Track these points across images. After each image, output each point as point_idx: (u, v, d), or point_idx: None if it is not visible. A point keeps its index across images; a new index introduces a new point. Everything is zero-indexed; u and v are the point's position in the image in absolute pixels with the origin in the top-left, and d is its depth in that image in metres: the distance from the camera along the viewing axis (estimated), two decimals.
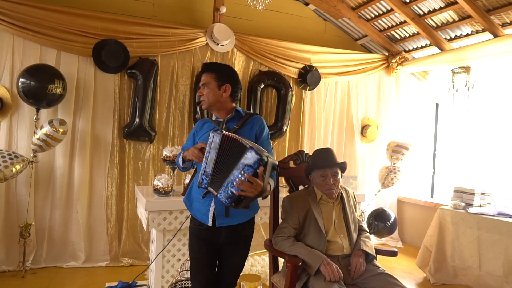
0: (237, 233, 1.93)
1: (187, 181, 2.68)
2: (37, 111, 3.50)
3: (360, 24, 4.86)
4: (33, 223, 3.52)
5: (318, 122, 4.84)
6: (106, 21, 3.80)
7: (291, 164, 2.44)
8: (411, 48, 5.01)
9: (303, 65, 4.65)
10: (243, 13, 4.57)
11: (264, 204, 2.36)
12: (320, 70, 4.71)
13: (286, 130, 4.57)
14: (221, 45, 4.24)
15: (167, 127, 4.10)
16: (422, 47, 4.85)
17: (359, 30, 5.08)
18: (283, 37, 4.75)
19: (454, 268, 3.64)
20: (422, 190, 5.22)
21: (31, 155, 3.45)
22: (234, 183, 1.62)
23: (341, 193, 2.22)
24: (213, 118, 1.99)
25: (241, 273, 3.24)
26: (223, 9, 4.25)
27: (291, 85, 4.59)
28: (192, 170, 2.16)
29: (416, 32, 4.62)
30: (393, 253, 2.20)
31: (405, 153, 4.68)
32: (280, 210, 2.22)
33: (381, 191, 4.85)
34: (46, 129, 3.34)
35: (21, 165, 3.30)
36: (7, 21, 3.47)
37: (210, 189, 1.70)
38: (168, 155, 2.88)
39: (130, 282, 2.98)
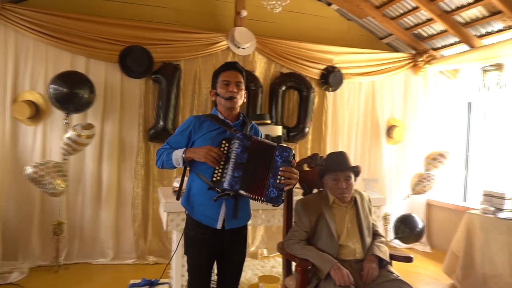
0: (240, 234, 1.99)
1: (175, 184, 2.67)
2: (67, 116, 3.69)
3: (385, 22, 4.75)
4: (65, 221, 3.73)
5: (341, 123, 4.78)
6: (131, 28, 3.95)
7: (306, 167, 2.45)
8: (439, 46, 4.84)
9: (325, 66, 4.61)
10: (265, 16, 4.60)
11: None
12: (343, 71, 4.66)
13: (308, 131, 4.56)
14: (242, 48, 4.30)
15: None
16: (451, 44, 4.67)
17: (384, 29, 4.96)
18: (305, 38, 4.73)
19: (483, 276, 3.48)
20: (454, 193, 5.02)
21: (62, 158, 3.65)
22: (277, 180, 1.72)
23: (355, 197, 2.20)
24: (221, 117, 1.93)
25: (261, 274, 3.29)
26: (244, 13, 4.30)
27: (313, 87, 4.57)
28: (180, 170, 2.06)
29: (444, 30, 4.46)
30: (408, 259, 2.15)
31: (443, 162, 4.49)
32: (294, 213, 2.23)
33: (410, 196, 4.70)
34: (69, 134, 3.50)
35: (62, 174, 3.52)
36: (42, 31, 3.69)
37: (243, 192, 1.72)
38: None
39: (152, 280, 3.09)
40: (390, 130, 4.89)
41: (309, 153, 4.64)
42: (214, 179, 1.76)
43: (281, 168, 1.74)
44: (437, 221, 4.96)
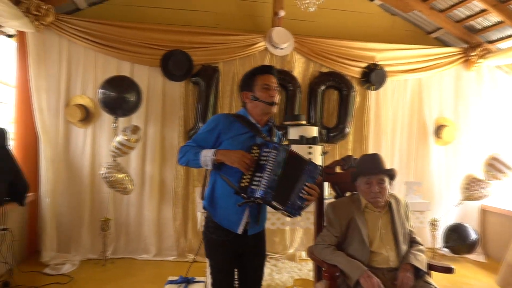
0: (260, 237, 1.99)
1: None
2: (116, 119, 3.89)
3: (433, 16, 4.47)
4: (111, 218, 3.95)
5: (385, 123, 4.58)
6: (172, 33, 4.09)
7: (338, 169, 2.37)
8: (495, 39, 4.46)
9: (367, 64, 4.44)
10: (303, 15, 4.51)
11: (309, 209, 2.34)
12: (386, 68, 4.46)
13: (348, 132, 4.42)
14: (280, 49, 4.27)
15: None
16: (508, 36, 4.28)
17: (432, 23, 4.67)
18: (347, 36, 4.59)
19: None
20: None
21: (112, 159, 3.83)
22: (300, 194, 1.73)
23: (390, 202, 2.09)
24: (252, 121, 1.90)
25: (297, 278, 3.24)
26: (282, 13, 4.27)
27: (354, 86, 4.42)
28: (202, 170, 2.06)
29: (500, 21, 4.10)
30: (448, 270, 2.00)
31: (507, 173, 4.09)
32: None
33: (462, 202, 4.38)
34: (120, 138, 3.64)
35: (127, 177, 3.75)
36: (92, 40, 3.94)
37: (275, 203, 1.71)
38: None
39: (189, 278, 3.17)
40: (439, 130, 4.60)
41: (350, 154, 4.49)
42: (242, 184, 1.73)
43: (306, 183, 1.74)
44: (493, 228, 4.57)
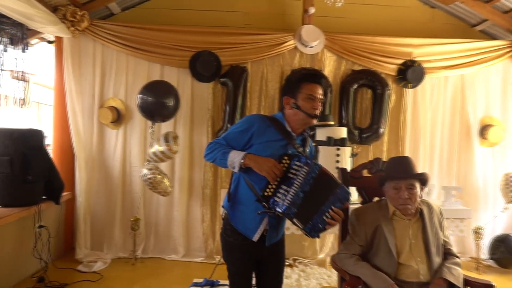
0: (279, 244, 1.92)
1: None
2: (153, 124, 3.87)
3: (477, 7, 4.13)
4: (141, 218, 4.01)
5: (423, 123, 4.30)
6: (200, 34, 4.09)
7: (366, 173, 2.22)
8: None
9: (403, 61, 4.19)
10: (335, 11, 4.34)
11: None
12: (424, 65, 4.18)
13: (383, 132, 4.19)
14: (309, 47, 4.14)
15: None
16: None
17: (477, 14, 4.32)
18: (381, 32, 4.36)
19: None
20: None
21: (145, 163, 3.86)
22: (324, 217, 1.64)
23: (421, 209, 1.92)
24: (288, 129, 1.80)
25: (326, 285, 3.11)
26: (312, 10, 4.14)
27: (389, 84, 4.19)
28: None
29: None
30: (488, 287, 1.79)
31: None
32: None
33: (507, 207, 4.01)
34: (163, 148, 3.60)
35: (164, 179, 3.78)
36: (123, 43, 4.03)
37: (296, 221, 1.64)
38: None
39: (214, 280, 3.13)
40: (484, 130, 4.24)
41: (385, 156, 4.26)
42: (266, 193, 1.67)
43: (332, 207, 1.65)
44: None
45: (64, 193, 3.96)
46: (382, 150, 4.27)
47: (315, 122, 1.80)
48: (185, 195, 4.14)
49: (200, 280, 3.15)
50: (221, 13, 4.45)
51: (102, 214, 4.11)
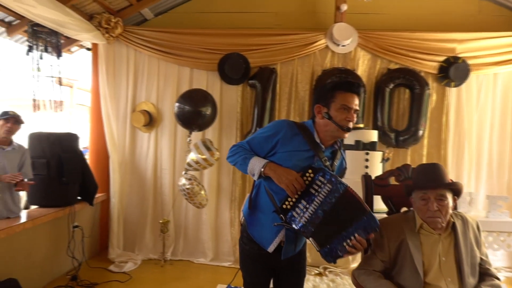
0: (299, 254, 1.83)
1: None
2: (190, 133, 3.85)
3: None
4: (170, 220, 4.04)
5: (468, 125, 3.95)
6: (229, 36, 4.05)
7: (393, 180, 2.04)
8: None
9: (446, 57, 3.87)
10: (369, 8, 4.13)
11: None
12: (469, 61, 3.84)
13: (422, 135, 3.90)
14: (342, 46, 3.95)
15: None
16: None
17: None
18: (420, 27, 4.07)
19: None
20: None
21: (183, 173, 3.83)
22: (345, 243, 1.52)
23: (454, 222, 1.71)
24: (316, 140, 1.68)
25: None
26: (344, 7, 3.95)
27: (429, 83, 3.90)
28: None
29: None
30: None
31: None
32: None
33: None
34: (206, 155, 3.58)
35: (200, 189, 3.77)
36: (155, 48, 4.10)
37: (312, 240, 1.55)
38: None
39: (238, 287, 3.06)
40: None
41: (424, 160, 3.97)
42: (284, 206, 1.59)
43: (356, 235, 1.51)
44: None
45: (99, 195, 4.11)
46: (422, 154, 3.98)
47: (347, 135, 1.66)
48: (214, 198, 4.12)
49: (224, 286, 3.09)
50: (251, 15, 4.39)
51: (134, 216, 4.20)
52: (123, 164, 4.17)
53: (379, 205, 2.04)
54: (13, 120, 3.07)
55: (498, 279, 1.70)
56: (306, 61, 4.05)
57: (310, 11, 4.36)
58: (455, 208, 1.91)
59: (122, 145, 4.19)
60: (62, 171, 3.40)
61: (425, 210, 1.68)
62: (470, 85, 3.91)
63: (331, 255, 1.53)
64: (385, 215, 1.94)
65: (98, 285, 3.33)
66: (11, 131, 3.08)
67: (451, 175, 3.84)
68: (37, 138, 3.42)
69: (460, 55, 3.85)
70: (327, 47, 4.01)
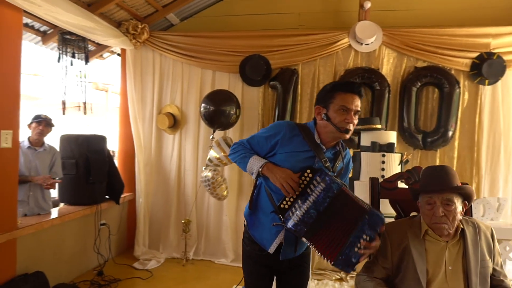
0: (302, 255, 1.79)
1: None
2: (214, 131, 3.89)
3: None
4: (191, 220, 4.11)
5: (506, 126, 3.68)
6: (250, 38, 4.07)
7: (401, 184, 1.94)
8: None
9: (478, 54, 3.63)
10: (394, 4, 3.99)
11: None
12: (505, 57, 3.58)
13: (452, 136, 3.68)
14: (365, 44, 3.83)
15: None
16: None
17: None
18: (450, 22, 3.85)
19: None
20: None
21: (203, 168, 3.91)
22: (356, 248, 1.49)
23: (463, 229, 1.59)
24: (317, 141, 1.65)
25: None
26: (368, 4, 3.83)
27: (460, 81, 3.67)
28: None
29: None
30: None
31: None
32: None
33: None
34: (228, 152, 3.60)
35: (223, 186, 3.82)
36: (179, 52, 4.21)
37: (305, 240, 1.53)
38: None
39: None
40: None
41: (455, 164, 3.74)
42: (282, 206, 1.57)
43: (364, 237, 1.49)
44: None
45: (127, 194, 4.29)
46: (452, 156, 3.75)
47: (347, 137, 1.63)
48: (234, 199, 4.14)
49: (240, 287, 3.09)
50: (274, 16, 4.38)
51: (159, 215, 4.32)
52: (149, 165, 4.31)
53: (387, 209, 1.94)
54: (45, 123, 3.28)
55: None
56: (329, 61, 3.97)
57: (334, 10, 4.27)
58: (468, 213, 1.79)
59: (149, 146, 4.33)
60: (89, 171, 3.58)
61: (430, 215, 1.58)
62: (507, 82, 3.65)
63: (346, 264, 1.49)
64: (393, 220, 1.85)
65: (121, 281, 3.46)
66: (43, 133, 3.29)
67: (485, 179, 3.61)
68: (67, 140, 3.62)
69: (494, 51, 3.59)
70: (350, 46, 3.91)
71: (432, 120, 3.78)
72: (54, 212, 3.33)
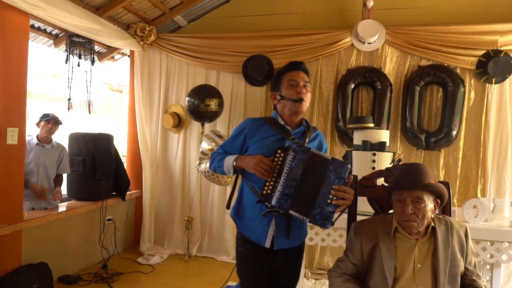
0: (294, 254, 1.78)
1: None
2: (202, 125, 4.13)
3: None
4: (194, 217, 4.19)
5: None
6: (254, 39, 4.12)
7: (381, 182, 1.92)
8: None
9: (484, 51, 3.53)
10: (398, 2, 3.93)
11: (340, 225, 2.02)
12: None
13: (456, 136, 3.59)
14: (367, 43, 3.80)
15: None
16: None
17: None
18: (455, 20, 3.76)
19: None
20: None
21: (197, 162, 4.09)
22: (329, 200, 1.53)
23: (434, 227, 1.58)
24: (281, 123, 1.73)
25: None
26: (371, 3, 3.79)
27: (465, 80, 3.58)
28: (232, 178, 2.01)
29: None
30: None
31: None
32: None
33: None
34: (219, 142, 3.72)
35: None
36: (184, 53, 4.31)
37: (293, 212, 1.54)
38: None
39: None
40: None
41: (459, 164, 3.65)
42: (264, 192, 1.58)
43: (333, 187, 1.53)
44: None
45: (134, 191, 4.42)
46: (457, 157, 3.65)
47: (303, 107, 1.71)
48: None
49: (234, 284, 3.14)
50: (279, 16, 4.41)
51: (164, 212, 4.43)
52: (154, 163, 4.43)
53: (365, 207, 1.94)
54: (53, 122, 3.44)
55: None
56: (331, 60, 3.96)
57: (338, 10, 4.25)
58: (449, 213, 1.77)
59: (155, 145, 4.45)
60: (95, 168, 3.72)
61: (400, 212, 1.57)
62: None
63: (323, 218, 1.51)
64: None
65: (123, 275, 3.58)
66: (51, 131, 3.45)
67: (491, 181, 3.50)
68: (75, 138, 3.78)
69: (502, 48, 3.48)
70: (352, 45, 3.88)
71: (436, 120, 3.70)
72: (61, 207, 3.48)
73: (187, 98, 4.02)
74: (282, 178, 1.54)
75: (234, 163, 1.67)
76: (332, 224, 1.55)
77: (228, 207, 1.87)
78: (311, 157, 1.55)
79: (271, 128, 1.71)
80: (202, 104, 3.84)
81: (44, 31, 3.85)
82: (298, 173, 1.53)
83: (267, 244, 1.67)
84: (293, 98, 1.68)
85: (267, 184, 1.58)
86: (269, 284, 1.78)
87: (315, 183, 1.53)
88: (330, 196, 1.52)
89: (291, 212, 1.54)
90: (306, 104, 1.72)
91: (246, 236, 1.72)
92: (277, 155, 1.60)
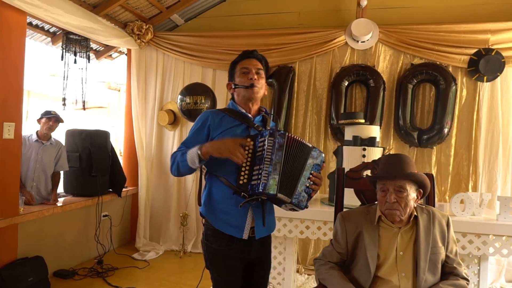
0: (266, 244, 1.79)
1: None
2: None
3: None
4: (189, 214, 4.23)
5: (505, 124, 3.60)
6: (249, 37, 4.17)
7: (367, 173, 1.96)
8: None
9: (476, 50, 3.57)
10: (392, 2, 3.98)
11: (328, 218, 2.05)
12: (504, 53, 3.50)
13: (447, 133, 3.63)
14: (361, 42, 3.85)
15: (304, 132, 4.05)
16: None
17: None
18: (448, 19, 3.81)
19: None
20: None
21: None
22: (307, 184, 1.59)
23: (417, 216, 1.62)
24: (242, 111, 1.70)
25: None
26: (364, 2, 3.84)
27: (457, 78, 3.63)
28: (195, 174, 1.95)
29: None
30: None
31: None
32: None
33: None
34: None
35: None
36: (181, 51, 4.36)
37: (281, 196, 1.53)
38: None
39: None
40: None
41: (451, 161, 3.69)
42: (241, 182, 1.55)
43: (312, 172, 1.60)
44: None
45: (131, 188, 4.46)
46: (449, 154, 3.70)
47: (256, 93, 1.69)
48: None
49: None
50: (275, 15, 4.45)
51: (160, 209, 4.47)
52: (150, 160, 4.47)
53: (352, 199, 1.98)
54: (55, 119, 3.48)
55: (466, 279, 1.56)
56: (325, 58, 4.01)
57: (333, 9, 4.30)
58: (433, 203, 1.81)
59: (150, 142, 4.49)
60: (91, 164, 3.75)
61: (383, 201, 1.61)
62: (506, 79, 3.57)
63: (301, 200, 1.57)
64: None
65: (118, 270, 3.61)
66: (52, 129, 3.50)
67: (482, 177, 3.55)
68: (71, 134, 3.82)
69: (493, 47, 3.53)
70: (346, 43, 3.93)
71: (429, 117, 3.75)
72: (57, 202, 3.52)
73: (179, 96, 4.07)
74: (265, 163, 1.51)
75: (199, 152, 1.54)
76: (306, 207, 1.61)
77: (200, 203, 1.75)
78: (289, 140, 1.56)
79: (232, 118, 1.68)
80: (194, 102, 3.88)
81: (42, 28, 3.90)
82: (281, 156, 1.53)
83: (245, 236, 1.63)
84: (246, 84, 1.68)
85: (242, 173, 1.54)
86: (241, 279, 1.73)
87: (297, 166, 1.57)
88: (309, 181, 1.58)
89: (279, 196, 1.51)
90: (259, 90, 1.70)
91: (219, 231, 1.65)
92: (247, 144, 1.56)
